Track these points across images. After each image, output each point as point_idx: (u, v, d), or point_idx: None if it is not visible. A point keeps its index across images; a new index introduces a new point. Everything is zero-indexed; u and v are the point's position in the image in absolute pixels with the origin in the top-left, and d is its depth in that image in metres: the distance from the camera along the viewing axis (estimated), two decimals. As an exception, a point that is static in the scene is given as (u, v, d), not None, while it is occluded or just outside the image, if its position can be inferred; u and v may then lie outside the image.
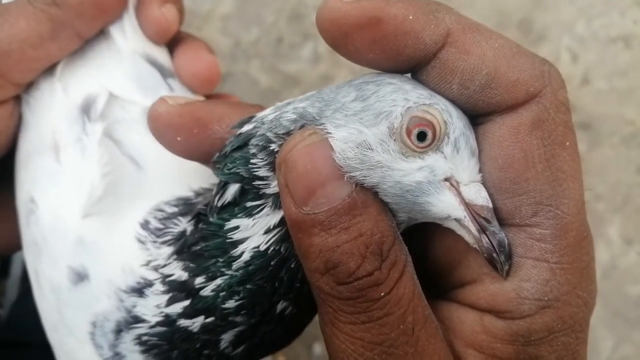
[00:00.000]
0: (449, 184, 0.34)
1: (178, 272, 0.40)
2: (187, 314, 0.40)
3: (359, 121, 0.34)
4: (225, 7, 1.14)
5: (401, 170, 0.34)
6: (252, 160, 0.36)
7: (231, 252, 0.38)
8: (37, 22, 0.45)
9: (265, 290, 0.38)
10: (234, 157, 0.37)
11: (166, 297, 0.41)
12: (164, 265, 0.41)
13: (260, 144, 0.36)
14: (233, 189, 0.37)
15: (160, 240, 0.43)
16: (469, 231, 0.34)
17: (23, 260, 0.82)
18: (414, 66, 0.35)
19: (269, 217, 0.37)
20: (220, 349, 0.41)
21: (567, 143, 0.34)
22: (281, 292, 0.38)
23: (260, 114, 0.38)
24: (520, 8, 1.11)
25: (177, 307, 0.40)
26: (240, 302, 0.38)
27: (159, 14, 0.49)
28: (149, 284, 0.42)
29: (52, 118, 0.47)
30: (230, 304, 0.39)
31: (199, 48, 0.52)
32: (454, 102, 0.35)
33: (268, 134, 0.36)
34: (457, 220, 0.35)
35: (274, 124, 0.36)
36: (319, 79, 1.11)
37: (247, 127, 0.38)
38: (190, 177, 0.46)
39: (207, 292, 0.39)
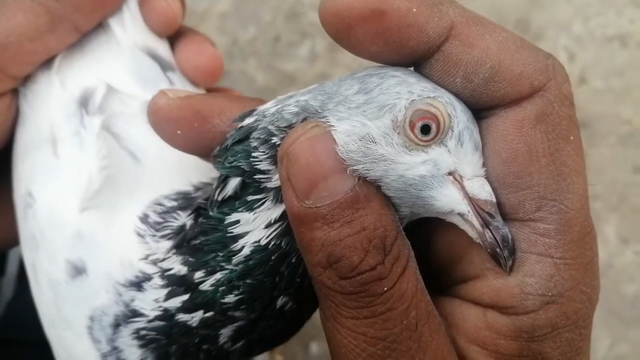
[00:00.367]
0: (452, 178, 0.34)
1: (177, 266, 0.40)
2: (186, 308, 0.40)
3: (362, 114, 0.34)
4: (222, 5, 1.13)
5: (404, 164, 0.33)
6: (253, 154, 0.36)
7: (231, 247, 0.38)
8: (35, 15, 0.45)
9: (265, 285, 0.38)
10: (235, 151, 0.37)
11: (165, 291, 0.40)
12: (163, 259, 0.41)
13: (262, 137, 0.36)
14: (234, 182, 0.37)
15: (160, 234, 0.42)
16: (472, 226, 0.34)
17: (19, 257, 0.82)
18: (418, 59, 0.35)
19: (269, 211, 0.37)
20: (219, 343, 0.41)
21: (571, 137, 0.34)
22: (281, 287, 0.38)
23: (261, 107, 0.38)
24: (517, 7, 1.11)
25: (176, 302, 0.40)
26: (240, 296, 0.38)
27: (165, 5, 0.49)
28: (148, 277, 0.41)
29: (49, 111, 0.47)
30: (230, 298, 0.38)
31: (201, 41, 0.52)
32: (457, 95, 0.35)
33: (270, 127, 0.36)
34: (461, 215, 0.34)
35: (276, 117, 0.36)
36: (316, 77, 1.11)
37: (248, 121, 0.37)
38: (189, 172, 0.46)
39: (206, 286, 0.38)
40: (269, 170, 0.36)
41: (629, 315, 1.05)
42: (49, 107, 0.47)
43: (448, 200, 0.34)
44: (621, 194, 1.07)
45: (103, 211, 0.44)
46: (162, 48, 0.51)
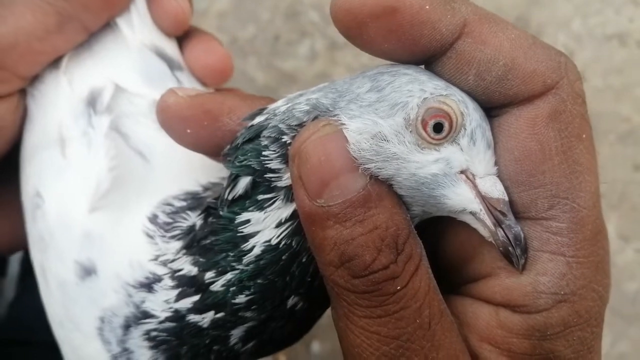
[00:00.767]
0: (464, 176, 0.34)
1: (187, 266, 0.40)
2: (197, 309, 0.39)
3: (374, 112, 0.34)
4: (221, 4, 1.13)
5: (417, 162, 0.33)
6: (263, 153, 0.36)
7: (242, 246, 0.37)
8: (43, 15, 0.45)
9: (276, 285, 0.38)
10: (245, 150, 0.37)
11: (175, 292, 0.40)
12: (173, 260, 0.41)
13: (272, 135, 0.36)
14: (244, 182, 0.37)
15: (169, 234, 0.42)
16: (484, 224, 0.34)
17: (20, 258, 0.82)
18: (430, 57, 0.35)
19: (280, 211, 0.36)
20: (230, 344, 0.41)
21: (584, 135, 0.34)
22: (292, 286, 0.38)
23: (272, 106, 0.38)
24: (516, 5, 1.11)
25: (187, 303, 0.40)
26: (251, 297, 0.38)
27: (176, 5, 0.49)
28: (158, 279, 0.41)
29: (57, 111, 0.47)
30: (241, 299, 0.38)
31: (211, 41, 0.52)
32: (469, 93, 0.35)
33: (280, 125, 0.36)
34: (473, 214, 0.34)
35: (287, 116, 0.36)
36: (316, 76, 1.10)
37: (258, 119, 0.37)
38: (198, 171, 0.46)
39: (217, 287, 0.38)
40: (279, 169, 0.36)
41: (630, 313, 1.05)
42: (57, 107, 0.47)
43: (460, 198, 0.34)
44: (621, 192, 1.07)
45: (112, 211, 0.44)
46: (170, 47, 0.51)
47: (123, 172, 0.44)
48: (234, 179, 0.37)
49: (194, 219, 0.42)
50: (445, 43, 0.33)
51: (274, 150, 0.36)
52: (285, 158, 0.35)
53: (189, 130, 0.40)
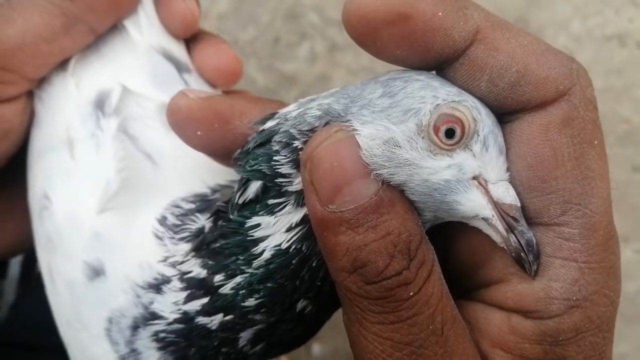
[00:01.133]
0: (477, 182, 0.34)
1: (196, 269, 0.40)
2: (206, 311, 0.39)
3: (387, 118, 0.34)
4: (221, 6, 1.13)
5: (429, 168, 0.33)
6: (274, 157, 0.36)
7: (252, 250, 0.37)
8: (50, 17, 0.44)
9: (286, 289, 0.38)
10: (256, 154, 0.37)
11: (184, 294, 0.40)
12: (182, 262, 0.41)
13: (284, 140, 0.36)
14: (255, 186, 0.37)
15: (178, 236, 0.42)
16: (496, 230, 0.34)
17: (21, 260, 0.82)
18: (442, 63, 0.35)
19: (290, 215, 0.36)
20: (238, 346, 0.41)
21: (596, 141, 0.34)
22: (302, 290, 0.38)
23: (283, 110, 0.38)
24: (516, 6, 1.11)
25: (196, 305, 0.40)
26: (261, 300, 0.38)
27: (185, 7, 0.49)
28: (167, 280, 0.41)
29: (65, 113, 0.47)
30: (250, 302, 0.38)
31: (220, 43, 0.52)
32: (481, 100, 0.35)
33: (292, 130, 0.36)
34: (485, 220, 0.34)
35: (298, 121, 0.36)
36: (316, 78, 1.10)
37: (270, 124, 0.37)
38: (205, 174, 0.46)
39: (226, 289, 0.38)
40: (290, 174, 0.36)
41: (629, 313, 1.05)
42: (65, 109, 0.47)
43: (472, 204, 0.34)
44: (620, 193, 1.07)
45: (121, 213, 0.44)
46: (178, 49, 0.51)
47: (132, 174, 0.44)
48: (244, 183, 0.37)
49: (203, 221, 0.42)
50: (458, 49, 0.33)
51: (285, 155, 0.36)
52: (296, 163, 0.35)
53: (199, 132, 0.40)
